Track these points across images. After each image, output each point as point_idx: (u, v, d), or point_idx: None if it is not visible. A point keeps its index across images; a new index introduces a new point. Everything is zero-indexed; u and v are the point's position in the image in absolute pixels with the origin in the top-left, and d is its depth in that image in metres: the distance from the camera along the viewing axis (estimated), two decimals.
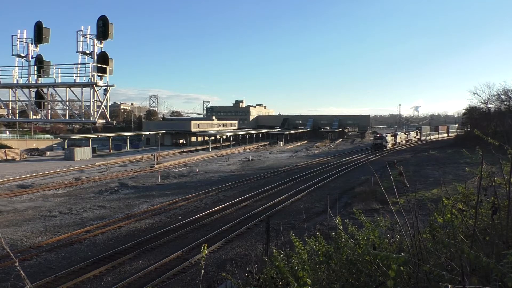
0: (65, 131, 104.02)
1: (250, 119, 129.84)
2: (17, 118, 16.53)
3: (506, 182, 4.18)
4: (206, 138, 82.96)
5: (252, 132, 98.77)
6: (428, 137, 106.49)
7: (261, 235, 19.59)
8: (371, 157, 63.72)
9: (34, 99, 15.13)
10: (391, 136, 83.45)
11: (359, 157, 63.00)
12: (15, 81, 14.94)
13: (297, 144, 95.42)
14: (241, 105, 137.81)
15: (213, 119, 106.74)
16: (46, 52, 15.04)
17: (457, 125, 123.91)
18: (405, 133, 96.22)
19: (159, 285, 14.49)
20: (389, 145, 79.33)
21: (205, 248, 4.36)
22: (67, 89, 14.11)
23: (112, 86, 13.72)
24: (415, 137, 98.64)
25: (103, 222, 23.57)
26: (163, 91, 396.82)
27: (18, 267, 3.05)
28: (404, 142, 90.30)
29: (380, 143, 76.84)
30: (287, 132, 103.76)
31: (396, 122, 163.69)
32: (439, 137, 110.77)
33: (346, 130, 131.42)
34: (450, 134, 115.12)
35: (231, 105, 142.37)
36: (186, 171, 47.25)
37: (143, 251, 18.23)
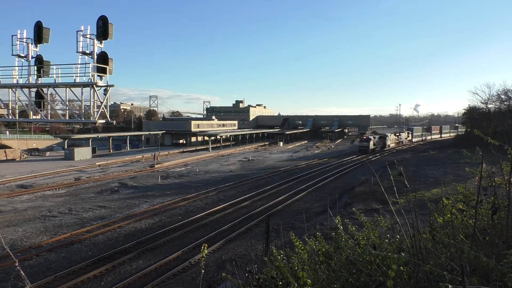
0: (65, 131, 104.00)
1: (250, 119, 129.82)
2: (17, 118, 16.50)
3: (506, 182, 4.18)
4: (206, 138, 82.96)
5: (252, 132, 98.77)
6: (420, 138, 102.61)
7: (261, 235, 19.59)
8: (371, 157, 63.69)
9: (34, 99, 15.12)
10: (380, 138, 78.37)
11: (359, 157, 62.94)
12: (15, 81, 14.93)
13: (297, 144, 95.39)
14: (241, 105, 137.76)
15: (213, 119, 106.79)
16: (46, 52, 15.05)
17: (456, 124, 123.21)
18: (395, 135, 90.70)
19: (159, 285, 14.49)
20: (378, 148, 74.53)
21: (205, 248, 4.37)
22: (67, 89, 14.11)
23: (112, 86, 13.72)
24: (406, 138, 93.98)
25: (103, 222, 23.57)
26: (164, 91, 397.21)
27: (18, 267, 3.05)
28: (394, 144, 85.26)
29: (367, 146, 70.86)
30: (287, 132, 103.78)
31: (396, 122, 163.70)
32: (431, 138, 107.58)
33: (346, 130, 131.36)
34: (443, 135, 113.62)
35: (231, 105, 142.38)
36: (186, 171, 47.25)
37: (143, 251, 18.23)
